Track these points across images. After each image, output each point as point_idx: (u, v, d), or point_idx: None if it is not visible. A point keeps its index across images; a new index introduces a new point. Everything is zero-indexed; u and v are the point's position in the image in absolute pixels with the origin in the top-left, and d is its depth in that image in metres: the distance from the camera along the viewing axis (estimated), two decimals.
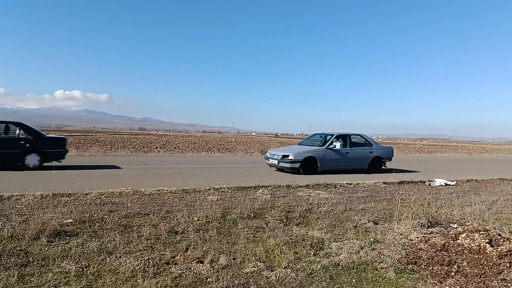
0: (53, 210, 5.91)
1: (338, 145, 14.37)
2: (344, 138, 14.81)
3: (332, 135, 14.67)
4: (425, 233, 5.58)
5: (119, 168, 13.50)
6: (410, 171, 16.28)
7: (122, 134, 77.85)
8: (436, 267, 4.24)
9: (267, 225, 5.94)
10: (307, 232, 5.60)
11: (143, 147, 30.11)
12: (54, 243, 4.59)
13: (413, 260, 4.49)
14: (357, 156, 14.68)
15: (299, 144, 16.23)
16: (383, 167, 15.53)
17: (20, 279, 3.56)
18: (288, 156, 13.38)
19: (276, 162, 13.83)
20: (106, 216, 5.89)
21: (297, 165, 13.29)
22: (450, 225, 6.30)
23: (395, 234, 5.58)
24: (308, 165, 13.46)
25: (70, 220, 5.50)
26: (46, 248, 4.40)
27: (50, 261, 4.04)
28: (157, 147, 30.35)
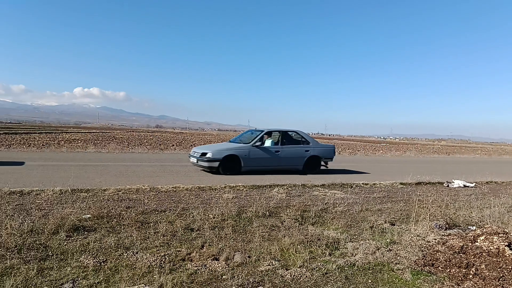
0: (72, 206, 6.01)
1: (269, 142, 13.11)
2: (275, 135, 13.60)
3: (262, 131, 13.36)
4: (442, 235, 5.50)
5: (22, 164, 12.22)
6: (357, 172, 15.25)
7: (139, 132, 78.82)
8: (453, 270, 4.18)
9: (282, 224, 5.94)
10: (323, 231, 5.58)
11: (160, 144, 30.37)
12: (72, 238, 4.67)
13: (430, 262, 4.44)
14: (290, 155, 13.27)
15: (229, 141, 14.79)
16: (325, 167, 14.26)
17: (39, 273, 3.63)
18: (206, 154, 12.11)
19: (195, 160, 12.51)
20: (123, 212, 5.98)
21: (216, 164, 12.04)
22: (469, 227, 6.20)
23: (412, 235, 5.51)
24: (229, 165, 12.21)
25: (88, 216, 5.59)
26: (65, 243, 4.48)
27: (69, 255, 4.11)
28: (173, 145, 30.57)
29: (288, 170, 13.27)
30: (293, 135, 14.05)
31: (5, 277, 3.46)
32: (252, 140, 12.84)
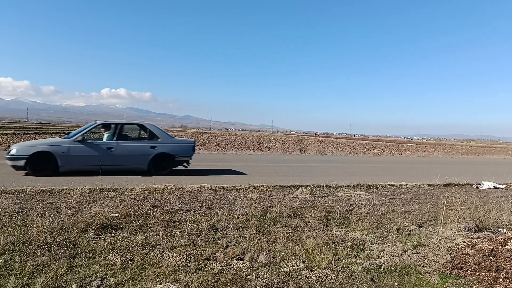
0: (100, 204, 6.13)
1: (105, 137, 11.10)
2: (114, 128, 11.20)
3: (95, 123, 11.35)
4: (472, 238, 5.38)
5: None
6: (229, 173, 12.69)
7: None
8: (483, 273, 4.08)
9: (306, 224, 5.92)
10: (348, 233, 5.53)
11: None
12: (101, 236, 4.78)
13: (459, 265, 4.34)
14: (128, 152, 10.91)
15: (66, 135, 11.90)
16: (184, 167, 12.00)
17: (69, 270, 3.73)
18: (11, 150, 10.03)
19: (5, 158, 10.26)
20: (150, 211, 6.07)
21: (21, 162, 9.80)
22: (499, 230, 6.03)
23: (440, 238, 5.41)
24: (40, 164, 9.94)
25: (116, 214, 5.70)
26: (93, 241, 4.59)
27: (97, 253, 4.21)
28: (197, 145, 30.87)
29: (128, 171, 10.98)
30: (136, 128, 12.14)
31: (36, 274, 3.57)
32: (75, 134, 10.73)
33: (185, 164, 11.93)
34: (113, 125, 11.29)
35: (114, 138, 10.92)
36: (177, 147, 11.68)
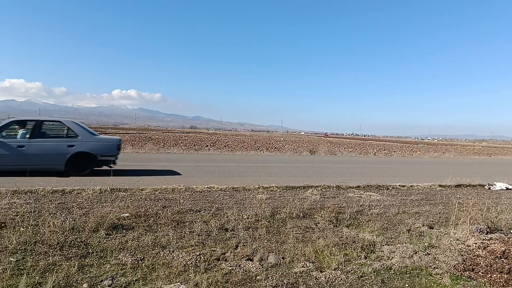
0: (111, 204, 6.19)
1: (20, 134, 10.16)
2: (29, 125, 10.35)
3: (8, 120, 10.69)
4: (483, 239, 5.32)
5: None
6: (161, 174, 11.61)
7: (174, 132, 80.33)
8: (495, 275, 4.04)
9: (316, 225, 5.90)
10: (358, 234, 5.50)
11: (194, 145, 30.81)
12: (111, 236, 4.82)
13: (470, 266, 4.30)
14: (43, 151, 9.96)
15: None
16: (109, 167, 10.88)
17: (80, 269, 3.77)
18: None
19: None
20: (160, 212, 6.11)
21: None
22: (511, 231, 5.96)
23: (451, 239, 5.36)
24: None
25: (126, 214, 5.74)
26: (104, 241, 4.63)
27: (108, 253, 4.24)
28: (207, 145, 30.97)
29: (44, 171, 10.01)
30: (56, 125, 11.16)
31: (47, 273, 3.62)
32: None
33: (110, 164, 10.99)
34: (29, 122, 10.49)
35: (27, 136, 10.09)
36: (99, 146, 10.81)
